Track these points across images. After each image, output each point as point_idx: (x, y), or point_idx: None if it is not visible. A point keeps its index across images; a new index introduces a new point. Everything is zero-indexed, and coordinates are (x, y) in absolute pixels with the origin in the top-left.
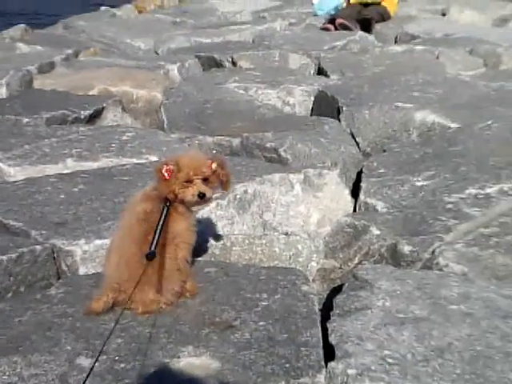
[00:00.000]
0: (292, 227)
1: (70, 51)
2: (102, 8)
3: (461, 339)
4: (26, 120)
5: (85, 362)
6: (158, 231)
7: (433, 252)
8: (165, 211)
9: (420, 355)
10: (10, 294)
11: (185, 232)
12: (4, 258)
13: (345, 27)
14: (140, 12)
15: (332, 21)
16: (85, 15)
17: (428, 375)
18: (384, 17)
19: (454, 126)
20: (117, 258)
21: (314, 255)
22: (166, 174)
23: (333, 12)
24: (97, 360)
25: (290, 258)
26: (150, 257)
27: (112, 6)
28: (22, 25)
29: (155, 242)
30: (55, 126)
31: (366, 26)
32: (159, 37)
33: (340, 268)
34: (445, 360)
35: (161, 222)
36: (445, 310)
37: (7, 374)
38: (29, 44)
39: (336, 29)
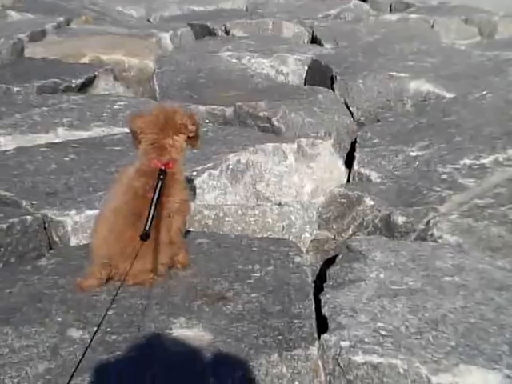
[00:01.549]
0: (285, 197)
1: (61, 19)
2: None
3: (455, 311)
4: (16, 89)
5: (76, 333)
6: (153, 210)
7: (427, 223)
8: (159, 185)
9: (414, 327)
10: (0, 265)
11: (180, 203)
12: None
13: None
14: None
15: None
16: None
17: (421, 347)
18: None
19: (448, 95)
20: (106, 232)
21: (308, 226)
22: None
23: None
24: (94, 335)
25: (283, 228)
26: (145, 237)
27: None
28: None
29: (149, 222)
30: (46, 94)
31: None
32: (151, 4)
33: (334, 239)
34: (438, 332)
35: (154, 199)
36: (439, 282)
37: None
38: (20, 11)
39: None
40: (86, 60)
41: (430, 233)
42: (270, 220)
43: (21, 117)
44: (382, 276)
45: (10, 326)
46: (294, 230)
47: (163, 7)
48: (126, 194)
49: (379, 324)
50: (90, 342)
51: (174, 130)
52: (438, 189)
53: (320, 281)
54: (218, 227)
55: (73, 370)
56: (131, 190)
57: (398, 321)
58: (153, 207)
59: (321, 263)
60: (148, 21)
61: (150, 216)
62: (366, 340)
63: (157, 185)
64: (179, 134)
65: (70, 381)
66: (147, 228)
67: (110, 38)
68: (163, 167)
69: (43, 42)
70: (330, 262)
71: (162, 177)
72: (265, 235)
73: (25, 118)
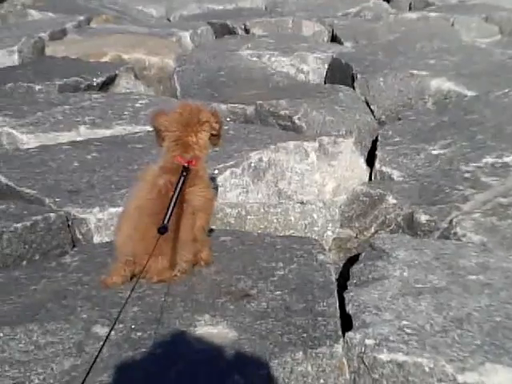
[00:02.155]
0: (307, 196)
1: (81, 18)
2: None
3: (480, 310)
4: (38, 87)
5: (101, 330)
6: (172, 205)
7: (450, 221)
8: (181, 181)
9: (438, 326)
10: (24, 262)
11: (204, 201)
12: (18, 225)
13: None
14: None
15: None
16: None
17: (447, 346)
18: None
19: (470, 93)
20: (130, 230)
21: (330, 224)
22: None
23: None
24: (112, 328)
25: (306, 226)
26: (163, 231)
27: None
28: None
29: (168, 215)
30: (68, 93)
31: None
32: (171, 3)
33: (356, 237)
34: (464, 331)
35: (175, 195)
36: (463, 280)
37: (23, 342)
38: (40, 10)
39: None
40: (106, 59)
41: (453, 231)
42: (292, 218)
43: (43, 115)
44: (405, 274)
45: (36, 323)
46: (316, 229)
47: (183, 6)
48: (150, 192)
49: (404, 322)
50: (108, 334)
51: (198, 127)
52: (461, 187)
53: (343, 279)
54: (241, 225)
55: (98, 366)
56: (155, 187)
57: (423, 319)
58: (173, 201)
59: (343, 261)
60: (168, 20)
61: (170, 210)
62: (391, 338)
63: (179, 180)
64: (203, 131)
65: (87, 374)
66: (165, 221)
67: (130, 36)
68: (186, 164)
69: (64, 40)
70: (352, 260)
71: (184, 173)
72: (287, 233)
73: (47, 117)
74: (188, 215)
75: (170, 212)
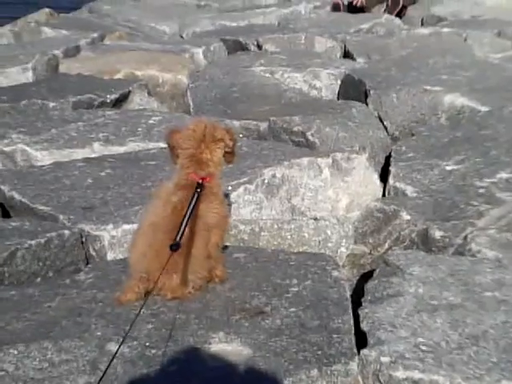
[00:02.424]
0: (320, 212)
1: (95, 35)
2: None
3: (496, 327)
4: (52, 104)
5: (115, 347)
6: (185, 222)
7: (465, 237)
8: (195, 198)
9: (454, 343)
10: (38, 279)
11: (219, 218)
12: (32, 242)
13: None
14: None
15: None
16: None
17: (463, 363)
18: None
19: (483, 109)
20: (145, 247)
21: (344, 240)
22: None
23: None
24: (122, 342)
25: (320, 243)
26: (175, 248)
27: None
28: (47, 9)
29: (181, 232)
30: (82, 110)
31: (398, 10)
32: (184, 20)
33: (370, 253)
34: (480, 348)
35: (189, 212)
36: (479, 297)
37: (38, 359)
38: (54, 28)
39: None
40: (120, 76)
41: (467, 247)
42: (306, 235)
43: (57, 132)
44: (420, 291)
45: (50, 340)
46: (330, 245)
47: (196, 23)
48: (165, 209)
49: (419, 339)
50: (118, 349)
51: (213, 144)
52: (476, 203)
53: (357, 295)
54: (254, 242)
55: None
56: (170, 204)
57: (439, 336)
58: (186, 218)
59: (357, 278)
60: (181, 36)
61: (182, 227)
62: (407, 355)
63: (193, 197)
64: (217, 148)
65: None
66: (178, 238)
67: (143, 53)
68: (201, 181)
69: (77, 58)
70: (366, 276)
71: (198, 190)
72: (301, 250)
73: (61, 134)
74: (202, 232)
75: (182, 229)
